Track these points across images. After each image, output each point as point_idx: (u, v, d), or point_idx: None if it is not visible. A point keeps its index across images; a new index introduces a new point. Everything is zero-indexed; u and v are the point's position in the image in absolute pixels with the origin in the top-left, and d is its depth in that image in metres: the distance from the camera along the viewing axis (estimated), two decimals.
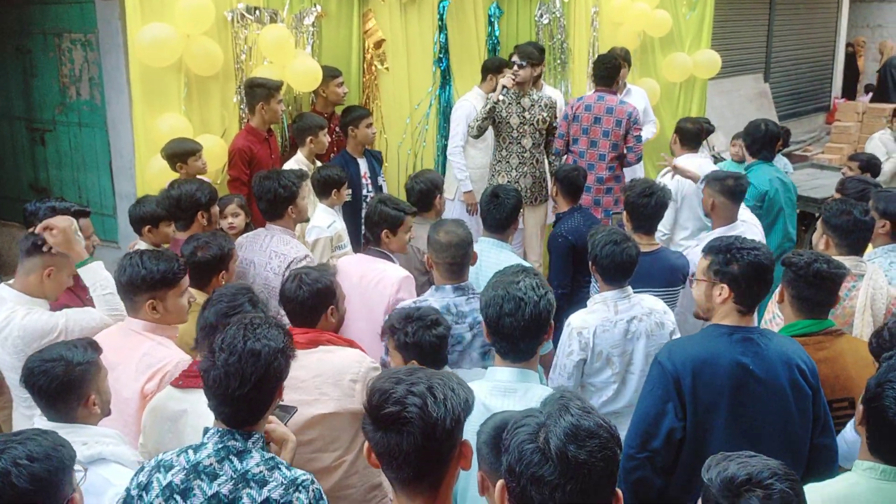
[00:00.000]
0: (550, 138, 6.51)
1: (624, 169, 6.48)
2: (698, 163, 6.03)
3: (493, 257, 4.28)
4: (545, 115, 6.31)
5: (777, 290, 3.41)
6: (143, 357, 3.21)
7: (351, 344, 3.41)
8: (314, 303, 3.34)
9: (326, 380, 3.18)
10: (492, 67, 6.69)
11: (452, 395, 1.95)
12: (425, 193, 4.96)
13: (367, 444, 1.99)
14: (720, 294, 3.03)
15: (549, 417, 1.77)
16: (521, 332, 2.73)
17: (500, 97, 6.12)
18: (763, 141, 5.91)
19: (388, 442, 1.91)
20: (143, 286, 3.27)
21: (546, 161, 6.61)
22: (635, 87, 7.63)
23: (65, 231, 3.47)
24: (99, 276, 3.58)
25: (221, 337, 2.43)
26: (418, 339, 3.18)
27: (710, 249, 3.13)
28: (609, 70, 6.40)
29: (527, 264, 4.28)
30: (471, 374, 3.32)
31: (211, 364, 2.40)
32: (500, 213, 4.35)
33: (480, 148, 6.61)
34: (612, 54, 6.88)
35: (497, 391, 2.74)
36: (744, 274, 2.97)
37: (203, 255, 3.84)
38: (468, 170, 6.66)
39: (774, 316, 3.60)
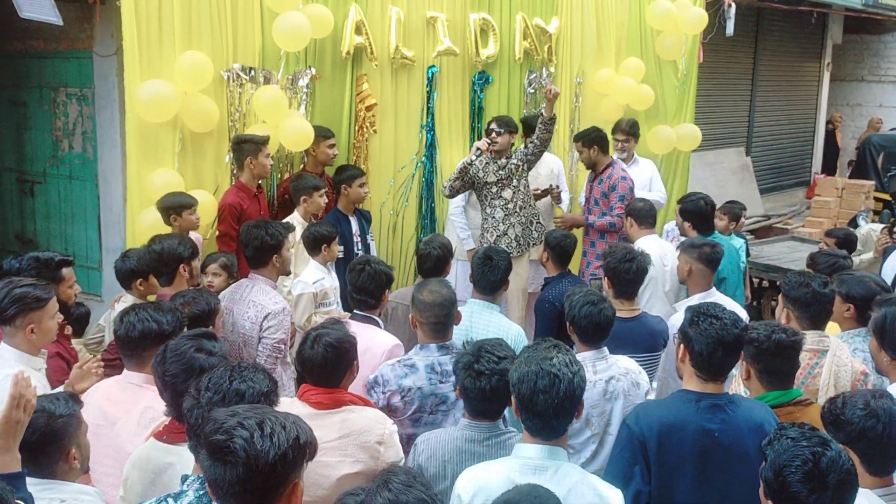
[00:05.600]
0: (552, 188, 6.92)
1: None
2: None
3: (483, 319, 4.30)
4: (516, 161, 6.40)
5: (742, 368, 3.37)
6: (146, 411, 3.13)
7: (367, 403, 3.34)
8: (336, 363, 3.21)
9: (352, 441, 3.10)
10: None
11: (282, 431, 2.00)
12: (441, 259, 4.81)
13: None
14: (681, 352, 3.10)
15: (368, 494, 1.79)
16: (554, 409, 2.65)
17: (473, 157, 6.25)
18: (708, 216, 6.05)
19: (214, 471, 1.98)
20: (156, 339, 3.20)
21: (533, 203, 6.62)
22: (643, 159, 7.68)
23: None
24: None
25: (208, 377, 2.46)
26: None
27: (688, 308, 3.20)
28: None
29: (517, 328, 4.33)
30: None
31: (195, 403, 2.41)
32: (494, 275, 4.38)
33: (479, 209, 6.67)
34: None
35: (527, 469, 2.65)
36: (698, 340, 3.00)
37: (190, 311, 3.81)
38: (469, 230, 6.77)
39: (746, 391, 3.52)
